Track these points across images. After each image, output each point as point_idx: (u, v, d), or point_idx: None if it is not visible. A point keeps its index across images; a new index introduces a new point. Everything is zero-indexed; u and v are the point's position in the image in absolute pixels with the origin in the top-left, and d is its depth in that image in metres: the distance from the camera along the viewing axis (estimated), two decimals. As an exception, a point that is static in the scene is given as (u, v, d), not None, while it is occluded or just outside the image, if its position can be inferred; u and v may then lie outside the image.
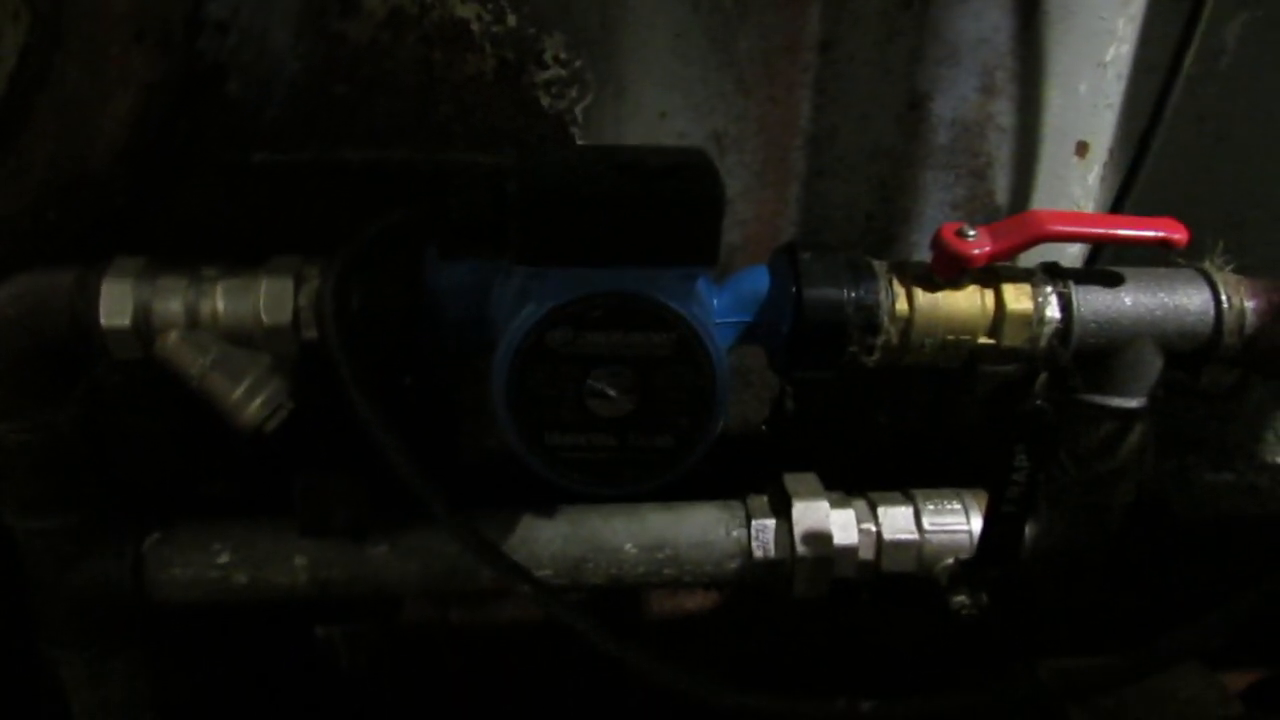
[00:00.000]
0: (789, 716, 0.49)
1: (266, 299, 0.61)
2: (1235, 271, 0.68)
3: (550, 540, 0.69)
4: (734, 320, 0.61)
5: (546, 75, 0.72)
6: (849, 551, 0.69)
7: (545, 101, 0.73)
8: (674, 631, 0.96)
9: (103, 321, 0.60)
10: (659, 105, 0.74)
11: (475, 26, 0.70)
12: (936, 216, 0.77)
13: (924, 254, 0.75)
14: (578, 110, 0.73)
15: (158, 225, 0.72)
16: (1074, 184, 0.77)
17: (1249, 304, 0.66)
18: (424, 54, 0.71)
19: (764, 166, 0.76)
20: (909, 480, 0.77)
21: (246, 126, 0.71)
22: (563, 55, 0.72)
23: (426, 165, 0.73)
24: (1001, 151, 0.75)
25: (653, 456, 0.53)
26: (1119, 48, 0.73)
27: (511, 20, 0.70)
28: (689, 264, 0.51)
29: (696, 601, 0.96)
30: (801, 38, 0.72)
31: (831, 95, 0.74)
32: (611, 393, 0.51)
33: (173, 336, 0.61)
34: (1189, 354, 0.66)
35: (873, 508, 0.72)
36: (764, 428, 0.85)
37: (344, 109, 0.71)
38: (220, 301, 0.61)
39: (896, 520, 0.71)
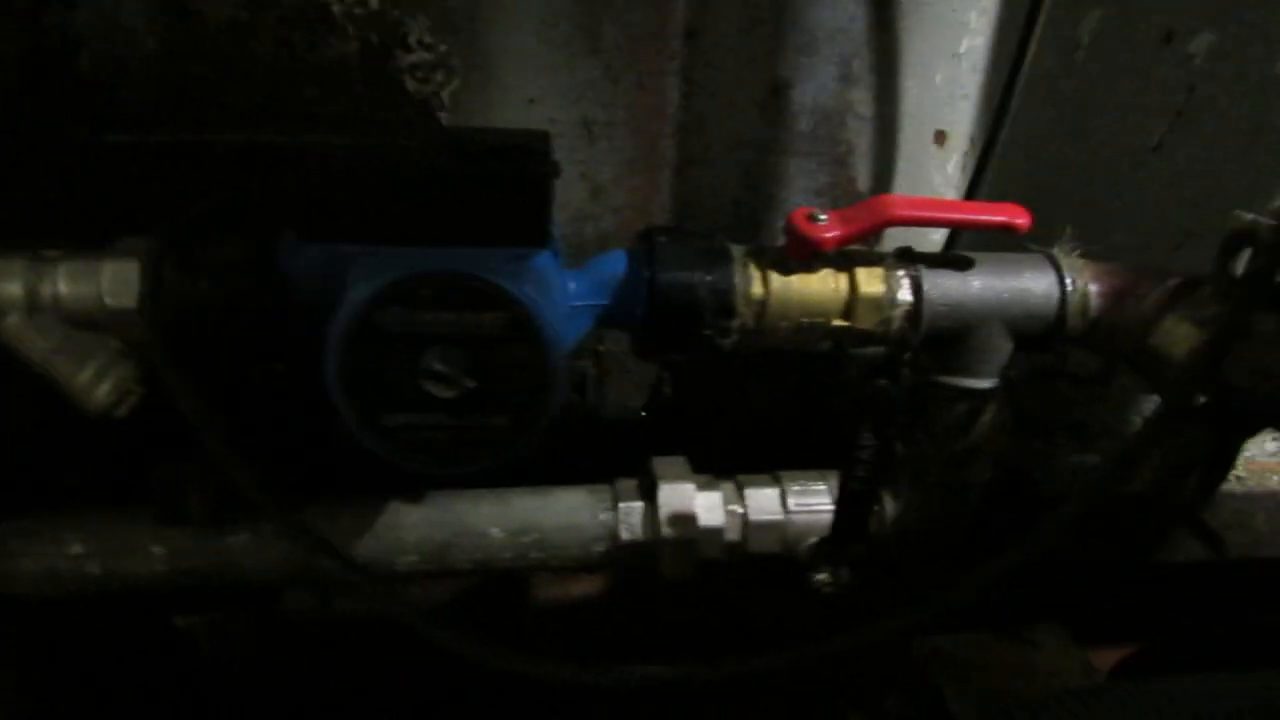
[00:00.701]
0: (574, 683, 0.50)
1: (112, 281, 0.60)
2: (1083, 256, 0.70)
3: (415, 525, 0.68)
4: (591, 304, 0.62)
5: (412, 59, 0.72)
6: (714, 533, 0.70)
7: (411, 85, 0.72)
8: (561, 615, 0.97)
9: (-63, 304, 0.58)
10: (527, 91, 0.74)
11: (336, 9, 0.70)
12: (801, 202, 0.78)
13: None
14: (444, 94, 0.73)
15: (4, 206, 0.70)
16: (934, 171, 0.79)
17: (1093, 287, 0.68)
18: (284, 35, 0.70)
19: (635, 154, 0.77)
20: (790, 462, 0.78)
21: (101, 106, 0.69)
22: (428, 39, 0.71)
23: (290, 148, 0.72)
24: (862, 139, 0.77)
25: (490, 436, 0.53)
26: (973, 39, 0.75)
27: (374, 3, 0.70)
28: (519, 243, 0.51)
29: (582, 587, 0.96)
30: (667, 25, 0.73)
31: (698, 83, 0.75)
32: (446, 372, 0.51)
33: (13, 319, 0.60)
34: (1037, 336, 0.69)
35: (740, 490, 0.73)
36: (643, 414, 0.86)
37: (203, 89, 0.70)
38: (63, 284, 0.60)
39: (762, 501, 0.72)
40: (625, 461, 0.79)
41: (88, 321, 0.61)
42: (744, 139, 0.76)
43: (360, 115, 0.72)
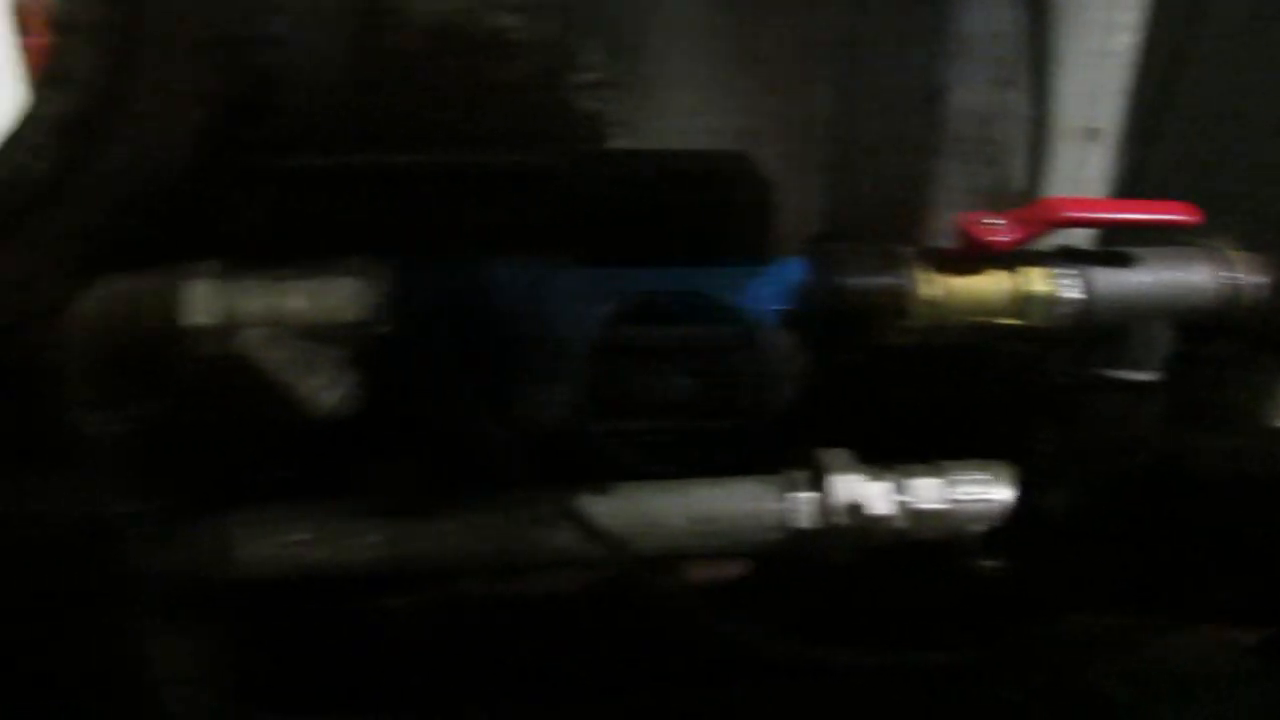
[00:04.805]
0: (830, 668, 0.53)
1: (339, 298, 0.66)
2: (1242, 249, 0.72)
3: (606, 515, 0.73)
4: (775, 309, 0.66)
5: (585, 79, 0.76)
6: (883, 521, 0.74)
7: (584, 104, 0.77)
8: (711, 596, 1.01)
9: (188, 320, 0.65)
10: (690, 104, 0.78)
11: (515, 35, 0.74)
12: (956, 204, 0.81)
13: (945, 240, 0.79)
14: (615, 111, 0.77)
15: (224, 230, 0.76)
16: (1085, 168, 0.81)
17: (1254, 279, 0.70)
18: (469, 62, 0.75)
19: (790, 160, 0.80)
20: (938, 454, 0.81)
21: (303, 134, 0.75)
22: (599, 60, 0.76)
23: (473, 168, 0.77)
24: (1016, 140, 0.79)
25: (715, 438, 0.58)
26: (1125, 37, 0.77)
27: (550, 27, 0.74)
28: (744, 261, 0.55)
29: (732, 568, 1.00)
30: (823, 36, 0.76)
31: (853, 90, 0.78)
32: (675, 381, 0.55)
33: (252, 334, 0.66)
34: (1199, 328, 0.71)
35: (904, 479, 0.76)
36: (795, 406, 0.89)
37: (394, 116, 0.75)
38: (296, 300, 0.66)
39: (926, 491, 0.75)
40: (778, 452, 0.82)
41: (316, 334, 0.67)
42: (899, 143, 0.79)
43: (537, 134, 0.77)
